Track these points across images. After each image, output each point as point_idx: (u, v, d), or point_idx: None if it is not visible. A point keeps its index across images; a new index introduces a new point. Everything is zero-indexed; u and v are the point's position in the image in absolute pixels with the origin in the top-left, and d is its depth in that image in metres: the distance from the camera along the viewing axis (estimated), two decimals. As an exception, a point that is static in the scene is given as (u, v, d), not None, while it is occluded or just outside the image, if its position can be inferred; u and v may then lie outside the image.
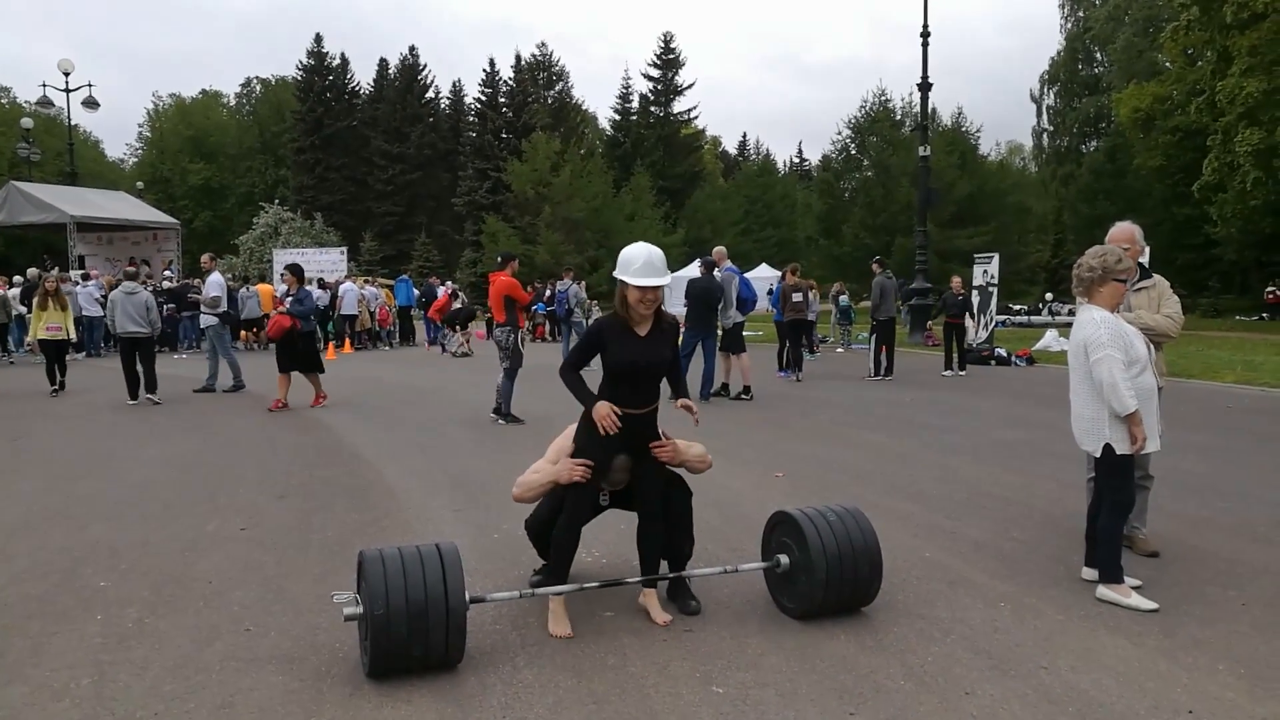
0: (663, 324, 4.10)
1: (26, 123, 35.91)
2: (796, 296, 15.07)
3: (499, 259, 10.33)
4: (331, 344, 20.72)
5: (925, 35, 21.19)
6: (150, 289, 19.73)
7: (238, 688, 3.48)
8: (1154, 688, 3.49)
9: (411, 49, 62.00)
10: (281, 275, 12.56)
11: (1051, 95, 58.22)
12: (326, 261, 28.16)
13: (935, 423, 9.99)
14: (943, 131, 43.17)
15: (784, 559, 4.25)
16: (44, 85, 30.13)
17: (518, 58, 57.95)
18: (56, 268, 13.75)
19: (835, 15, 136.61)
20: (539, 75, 58.49)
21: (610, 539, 5.24)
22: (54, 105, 31.25)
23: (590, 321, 18.40)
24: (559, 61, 59.96)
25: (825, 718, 3.27)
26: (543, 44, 63.49)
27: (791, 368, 14.76)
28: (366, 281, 25.13)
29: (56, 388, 12.60)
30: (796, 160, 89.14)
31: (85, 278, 20.89)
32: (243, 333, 21.96)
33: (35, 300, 12.87)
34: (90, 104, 30.46)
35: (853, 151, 43.30)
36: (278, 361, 11.15)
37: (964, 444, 8.75)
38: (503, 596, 4.00)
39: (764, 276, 43.56)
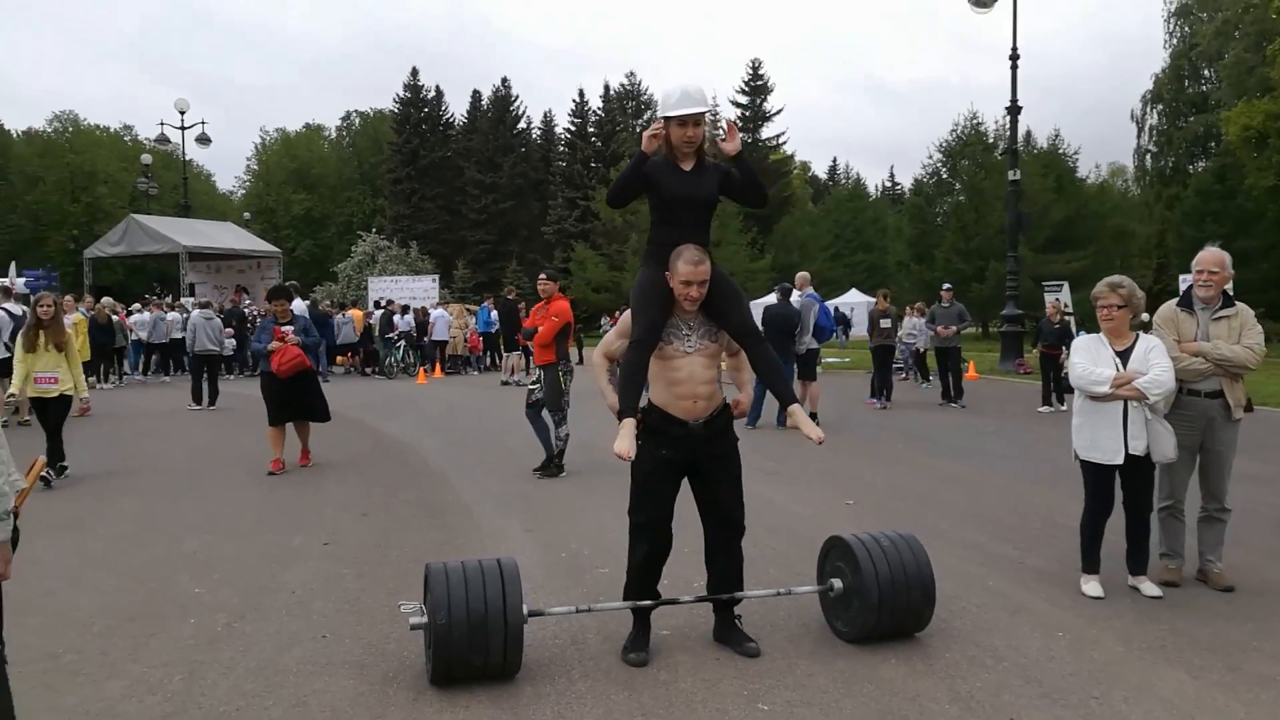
0: (707, 163, 4.03)
1: (146, 159, 38.22)
2: (885, 322, 14.94)
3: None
4: (423, 369, 21.38)
5: (1014, 58, 20.88)
6: (248, 310, 20.86)
7: (312, 689, 3.73)
8: (1208, 721, 3.45)
9: (504, 80, 63.59)
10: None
11: (1155, 115, 56.26)
12: (419, 289, 29.09)
13: (1015, 452, 9.83)
14: (1038, 154, 42.24)
15: (837, 583, 4.31)
16: (161, 124, 32.05)
17: (606, 87, 58.99)
18: (52, 296, 8.24)
19: (918, 36, 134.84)
20: (627, 104, 59.37)
21: (669, 558, 5.35)
22: (170, 142, 33.15)
23: None
24: (647, 90, 60.74)
25: (866, 738, 3.33)
26: (631, 73, 64.42)
27: (880, 394, 14.59)
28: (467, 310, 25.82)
29: (48, 475, 7.91)
30: (889, 184, 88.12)
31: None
32: (339, 357, 22.87)
33: (21, 339, 8.49)
34: (203, 140, 32.22)
35: (944, 175, 42.67)
36: (273, 410, 8.66)
37: (1042, 474, 8.60)
38: (561, 611, 4.18)
39: (854, 302, 43.12)
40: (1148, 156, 57.09)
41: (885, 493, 7.70)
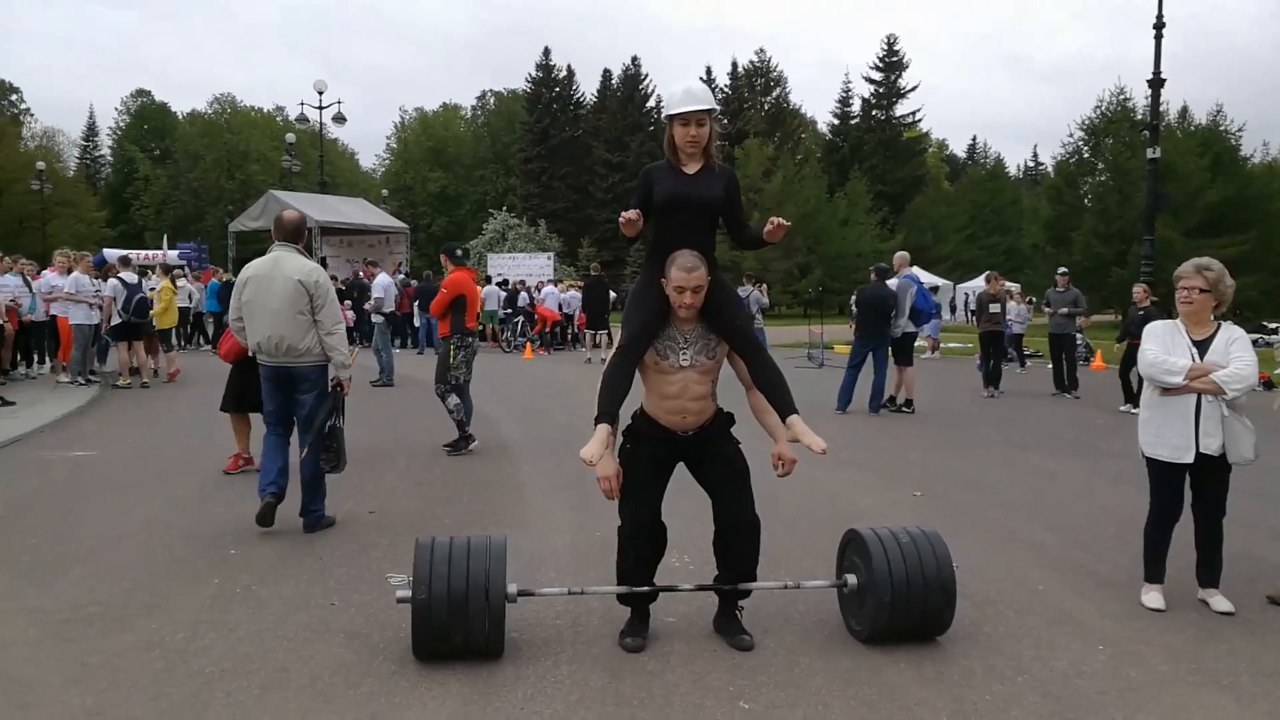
0: (714, 166, 3.86)
1: (290, 138, 40.11)
2: (994, 306, 14.21)
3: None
4: (529, 344, 21.69)
5: (1159, 26, 19.41)
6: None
7: (300, 655, 3.76)
8: (1238, 756, 3.08)
9: (634, 59, 63.74)
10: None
11: (1336, 88, 51.54)
12: (535, 265, 29.51)
13: (1118, 449, 9.11)
14: (1194, 131, 39.35)
15: (852, 579, 4.07)
16: (302, 104, 33.46)
17: (734, 65, 58.33)
18: None
19: (1071, 8, 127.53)
20: (756, 81, 58.54)
21: (704, 543, 5.16)
22: (309, 121, 34.49)
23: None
24: (777, 67, 59.73)
25: (843, 746, 3.11)
26: (761, 50, 63.32)
27: (990, 383, 13.88)
28: (571, 286, 26.08)
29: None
30: (1031, 164, 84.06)
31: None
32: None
33: None
34: (339, 119, 33.41)
35: (1086, 154, 40.27)
36: (228, 396, 7.24)
37: (1140, 474, 7.95)
38: (551, 592, 4.08)
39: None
40: (1325, 133, 52.33)
41: (959, 486, 7.28)
